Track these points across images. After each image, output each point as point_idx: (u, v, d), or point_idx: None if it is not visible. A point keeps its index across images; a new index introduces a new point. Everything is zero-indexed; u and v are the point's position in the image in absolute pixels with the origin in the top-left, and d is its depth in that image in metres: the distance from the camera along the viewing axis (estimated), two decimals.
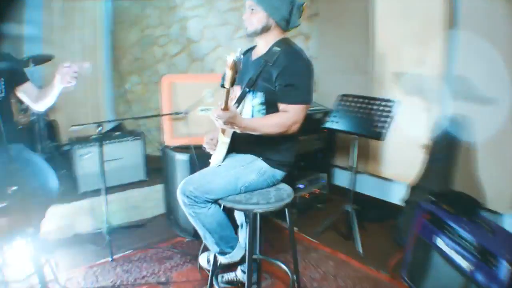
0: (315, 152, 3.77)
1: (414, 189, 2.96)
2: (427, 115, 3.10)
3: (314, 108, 3.66)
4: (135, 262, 2.73)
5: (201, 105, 2.95)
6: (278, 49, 1.95)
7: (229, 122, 1.77)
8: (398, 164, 3.42)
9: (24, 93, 2.42)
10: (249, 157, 2.02)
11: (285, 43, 2.00)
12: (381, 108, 2.79)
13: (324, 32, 3.92)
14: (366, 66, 3.48)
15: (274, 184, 2.07)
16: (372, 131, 2.74)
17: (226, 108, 1.73)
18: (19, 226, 1.91)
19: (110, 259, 2.74)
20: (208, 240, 2.01)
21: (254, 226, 2.05)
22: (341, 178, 4.02)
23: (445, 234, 2.10)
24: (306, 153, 3.62)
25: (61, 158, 3.84)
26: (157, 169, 3.62)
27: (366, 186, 3.71)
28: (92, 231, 3.06)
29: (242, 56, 1.64)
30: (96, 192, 3.00)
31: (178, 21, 4.27)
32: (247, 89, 1.99)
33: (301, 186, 3.53)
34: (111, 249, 2.76)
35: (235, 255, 2.06)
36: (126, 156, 3.80)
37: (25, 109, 3.64)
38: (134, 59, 4.83)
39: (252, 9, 1.96)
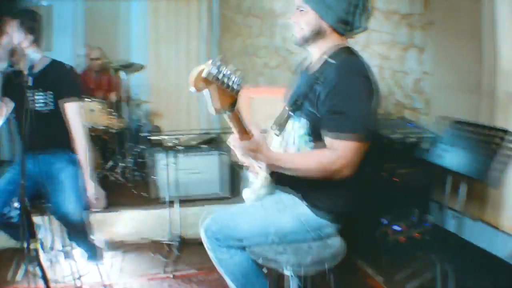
0: (418, 187, 3.17)
1: None
2: None
3: (419, 135, 3.08)
4: (193, 284, 2.62)
5: None
6: (333, 62, 1.50)
7: (250, 154, 1.39)
8: None
9: (64, 110, 2.28)
10: (289, 199, 1.63)
11: (343, 53, 1.53)
12: (503, 143, 2.14)
13: (440, 44, 3.27)
14: (488, 85, 2.78)
15: (320, 238, 1.61)
16: (482, 172, 2.13)
17: (244, 136, 1.38)
18: None
19: (171, 276, 2.68)
20: None
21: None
22: (449, 222, 3.32)
23: None
24: (406, 188, 3.04)
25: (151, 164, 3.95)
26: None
27: (478, 236, 2.96)
28: (164, 242, 3.06)
29: (221, 68, 1.18)
30: (174, 203, 2.98)
31: (278, 31, 4.07)
32: (291, 113, 1.63)
33: (397, 228, 2.98)
34: (176, 265, 2.73)
35: None
36: (209, 169, 3.71)
37: (116, 114, 3.80)
38: None
39: (300, 10, 1.55)
